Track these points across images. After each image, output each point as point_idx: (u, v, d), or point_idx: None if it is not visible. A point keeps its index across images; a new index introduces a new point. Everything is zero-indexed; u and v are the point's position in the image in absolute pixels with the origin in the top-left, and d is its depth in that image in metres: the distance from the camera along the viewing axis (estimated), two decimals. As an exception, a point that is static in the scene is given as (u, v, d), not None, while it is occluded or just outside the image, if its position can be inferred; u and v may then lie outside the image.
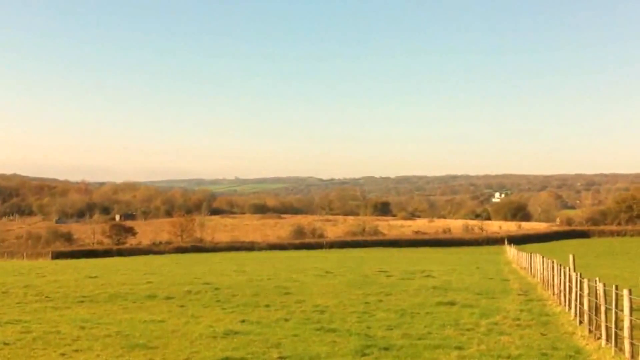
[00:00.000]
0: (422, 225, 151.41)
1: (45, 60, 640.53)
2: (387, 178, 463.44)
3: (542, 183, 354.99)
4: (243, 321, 21.22)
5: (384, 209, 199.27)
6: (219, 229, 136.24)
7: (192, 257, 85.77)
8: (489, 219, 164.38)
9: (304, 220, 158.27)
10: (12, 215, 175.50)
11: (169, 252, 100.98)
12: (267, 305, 25.94)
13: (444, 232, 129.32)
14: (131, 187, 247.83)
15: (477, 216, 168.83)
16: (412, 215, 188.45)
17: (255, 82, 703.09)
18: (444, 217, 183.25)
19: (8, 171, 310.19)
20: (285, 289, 32.72)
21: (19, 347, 16.19)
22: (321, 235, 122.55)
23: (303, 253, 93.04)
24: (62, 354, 15.24)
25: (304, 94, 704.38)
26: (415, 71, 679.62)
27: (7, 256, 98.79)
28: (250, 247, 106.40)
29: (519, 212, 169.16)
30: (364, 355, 15.05)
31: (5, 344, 16.58)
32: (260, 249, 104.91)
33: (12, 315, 23.38)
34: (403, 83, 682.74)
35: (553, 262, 28.25)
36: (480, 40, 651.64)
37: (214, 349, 15.67)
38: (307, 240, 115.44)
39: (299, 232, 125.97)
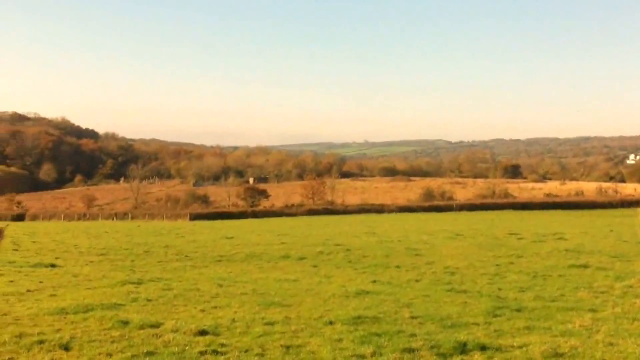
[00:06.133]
0: (554, 187, 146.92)
1: (185, 32, 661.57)
2: (517, 140, 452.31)
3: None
4: (374, 281, 21.37)
5: (514, 171, 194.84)
6: (349, 191, 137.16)
7: (323, 219, 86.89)
8: (623, 181, 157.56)
9: (433, 183, 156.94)
10: (152, 178, 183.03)
11: (301, 214, 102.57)
12: (398, 266, 26.00)
13: (577, 194, 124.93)
14: (263, 151, 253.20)
15: (610, 178, 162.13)
16: (543, 178, 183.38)
17: (383, 45, 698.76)
18: (576, 179, 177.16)
19: (147, 136, 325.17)
20: (416, 251, 32.66)
21: (161, 304, 16.90)
22: (450, 198, 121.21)
23: (432, 215, 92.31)
24: (202, 310, 15.80)
25: (431, 54, 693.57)
26: (545, 31, 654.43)
27: (148, 217, 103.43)
28: (380, 209, 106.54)
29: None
30: (495, 316, 14.82)
31: (148, 300, 17.35)
32: (390, 211, 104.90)
33: (154, 274, 24.49)
34: (533, 43, 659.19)
35: (694, 224, 26.75)
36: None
37: (346, 308, 15.86)
38: (436, 202, 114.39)
39: (428, 194, 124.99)
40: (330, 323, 13.85)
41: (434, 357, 11.00)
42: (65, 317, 14.62)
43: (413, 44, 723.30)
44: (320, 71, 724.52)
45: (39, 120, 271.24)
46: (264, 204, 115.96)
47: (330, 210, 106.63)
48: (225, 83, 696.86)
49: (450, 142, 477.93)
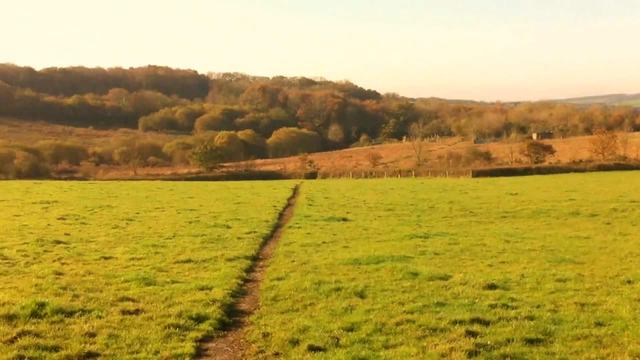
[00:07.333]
0: None
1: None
2: None
3: None
4: (677, 241, 19.87)
5: None
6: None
7: (615, 174, 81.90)
8: None
9: None
10: (433, 136, 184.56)
11: (590, 170, 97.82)
12: None
13: None
14: (547, 105, 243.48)
15: None
16: None
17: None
18: None
19: (427, 95, 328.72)
20: None
21: (448, 257, 17.17)
22: None
23: None
24: (489, 265, 15.80)
25: None
26: None
27: (431, 174, 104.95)
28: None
29: None
30: None
31: (435, 254, 17.70)
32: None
33: (439, 228, 24.87)
34: None
35: None
36: None
37: (645, 267, 14.95)
38: None
39: None
40: (629, 282, 13.16)
41: None
42: (358, 267, 15.42)
43: None
44: (607, 13, 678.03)
45: (325, 84, 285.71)
46: (549, 160, 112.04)
47: (623, 165, 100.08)
48: (503, 36, 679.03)
49: None
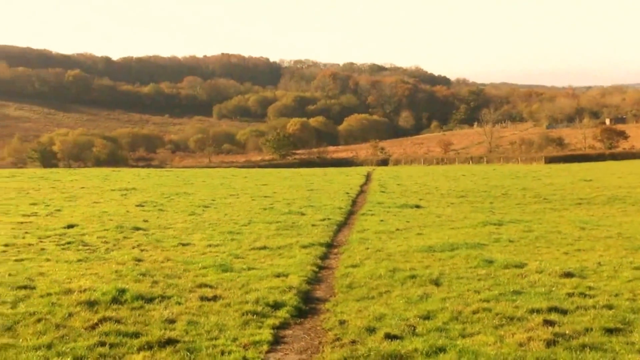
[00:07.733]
0: None
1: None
2: None
3: None
4: None
5: None
6: None
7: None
8: None
9: None
10: (504, 122, 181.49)
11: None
12: None
13: None
14: (619, 90, 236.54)
15: None
16: None
17: None
18: None
19: (497, 80, 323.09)
20: None
21: (522, 245, 16.98)
22: None
23: None
24: (565, 253, 15.57)
25: None
26: None
27: (503, 161, 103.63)
28: None
29: None
30: None
31: (510, 241, 17.53)
32: None
33: (513, 215, 24.61)
34: None
35: None
36: None
37: None
38: None
39: None
40: None
41: None
42: (432, 255, 15.44)
43: None
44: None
45: (395, 70, 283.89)
46: (623, 146, 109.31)
47: None
48: (572, 20, 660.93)
49: None
